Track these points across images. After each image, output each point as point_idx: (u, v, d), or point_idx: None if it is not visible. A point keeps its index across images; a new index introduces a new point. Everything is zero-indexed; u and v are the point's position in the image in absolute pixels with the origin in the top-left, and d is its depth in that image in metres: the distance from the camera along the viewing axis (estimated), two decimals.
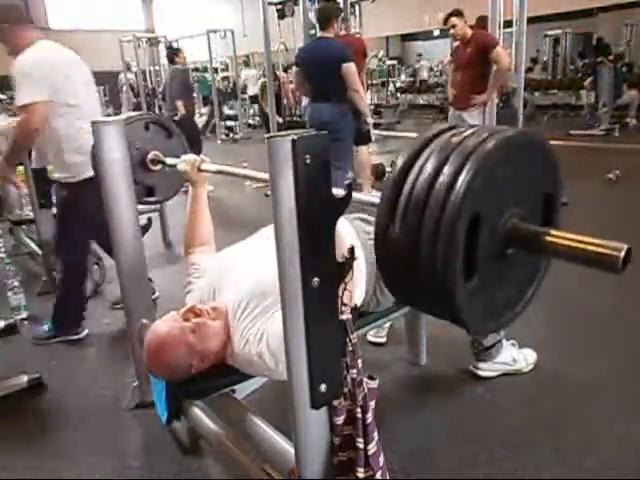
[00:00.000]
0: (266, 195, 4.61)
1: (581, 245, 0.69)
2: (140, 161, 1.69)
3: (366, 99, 3.91)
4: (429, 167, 0.71)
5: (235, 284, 1.36)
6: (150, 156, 1.70)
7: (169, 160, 1.66)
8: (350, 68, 3.44)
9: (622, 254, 0.64)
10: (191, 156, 1.58)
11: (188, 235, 1.62)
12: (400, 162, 0.75)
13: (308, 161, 0.79)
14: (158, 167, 1.71)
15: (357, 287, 1.32)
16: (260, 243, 1.48)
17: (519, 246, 0.76)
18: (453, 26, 4.11)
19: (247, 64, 12.15)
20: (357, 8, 6.98)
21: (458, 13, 4.14)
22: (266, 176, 1.18)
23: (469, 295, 0.73)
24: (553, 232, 0.72)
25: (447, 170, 0.69)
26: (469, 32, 4.06)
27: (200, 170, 1.53)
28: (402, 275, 0.77)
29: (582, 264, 0.69)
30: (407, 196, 0.72)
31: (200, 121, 8.32)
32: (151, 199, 1.83)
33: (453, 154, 0.71)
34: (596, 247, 0.67)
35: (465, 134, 0.74)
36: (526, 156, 0.76)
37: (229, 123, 10.13)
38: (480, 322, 0.79)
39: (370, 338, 2.10)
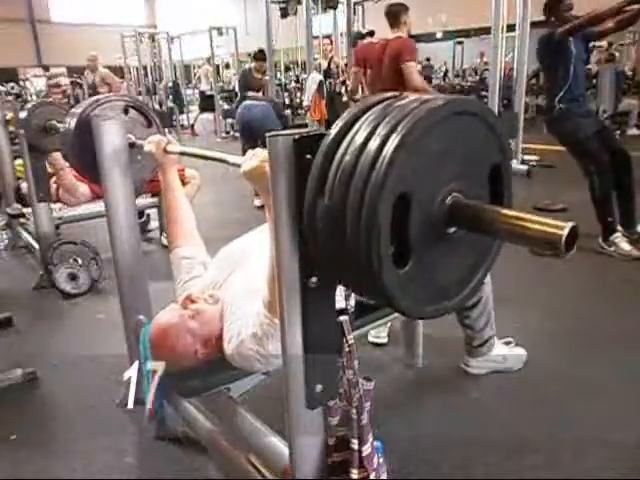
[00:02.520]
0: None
1: (523, 223, 0.63)
2: None
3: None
4: (358, 138, 0.65)
5: (234, 282, 1.37)
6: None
7: (138, 142, 1.62)
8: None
9: (565, 232, 0.58)
10: (157, 136, 1.58)
11: (169, 226, 1.62)
12: (334, 131, 0.69)
13: (308, 161, 0.79)
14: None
15: None
16: (258, 238, 1.49)
17: (461, 224, 0.69)
18: None
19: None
20: (360, 9, 6.99)
21: None
22: (234, 159, 1.17)
23: (404, 281, 0.67)
24: (495, 209, 0.67)
25: (373, 142, 0.63)
26: None
27: (166, 151, 1.53)
28: (331, 254, 0.71)
29: (525, 244, 0.64)
30: (335, 170, 0.66)
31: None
32: None
33: (382, 123, 0.64)
34: (540, 225, 0.61)
35: (401, 103, 0.68)
36: (465, 125, 0.69)
37: (230, 120, 10.11)
38: (419, 308, 0.72)
39: (370, 339, 2.10)
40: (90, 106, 1.67)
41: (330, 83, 5.56)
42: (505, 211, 0.67)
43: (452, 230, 0.71)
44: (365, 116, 0.69)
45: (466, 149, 0.71)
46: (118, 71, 10.88)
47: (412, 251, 0.67)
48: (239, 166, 1.06)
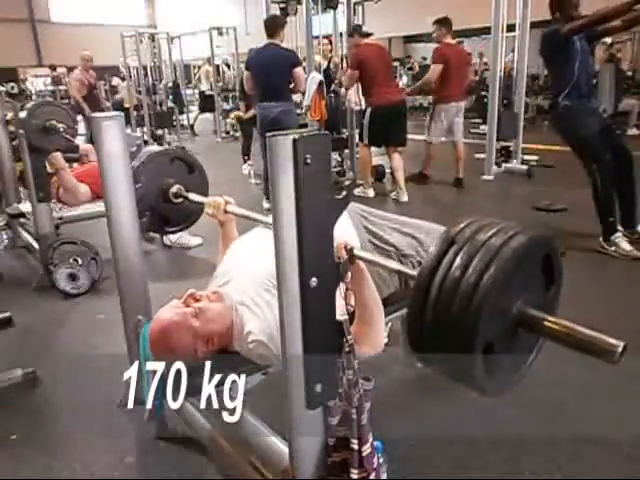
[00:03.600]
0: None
1: (574, 334, 0.87)
2: (163, 193, 1.80)
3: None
4: (457, 263, 0.83)
5: (244, 272, 1.41)
6: (173, 189, 1.79)
7: (191, 196, 1.76)
8: (301, 73, 4.09)
9: (619, 350, 0.81)
10: (216, 198, 1.65)
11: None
12: (432, 255, 0.86)
13: (309, 161, 0.79)
14: (179, 200, 1.80)
15: None
16: (263, 235, 1.51)
17: (524, 327, 0.89)
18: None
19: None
20: (360, 9, 6.98)
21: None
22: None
23: (494, 385, 0.93)
24: (550, 318, 0.87)
25: (472, 270, 0.81)
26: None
27: (226, 212, 1.61)
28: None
29: (580, 352, 0.86)
30: (439, 286, 0.83)
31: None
32: (167, 229, 1.98)
33: (477, 256, 0.82)
34: (588, 338, 0.87)
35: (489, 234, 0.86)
36: (536, 257, 0.90)
37: (230, 120, 10.10)
38: (496, 388, 0.98)
39: None
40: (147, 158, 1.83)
41: (330, 83, 5.55)
42: (560, 321, 0.87)
43: (520, 330, 0.90)
44: (457, 244, 0.85)
45: (529, 271, 0.90)
46: (118, 71, 10.92)
47: (499, 365, 0.90)
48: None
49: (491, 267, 0.80)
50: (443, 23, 4.76)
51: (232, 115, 6.92)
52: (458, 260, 0.83)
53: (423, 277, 0.85)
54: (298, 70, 4.03)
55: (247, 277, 1.39)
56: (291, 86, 4.18)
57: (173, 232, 2.15)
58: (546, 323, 0.86)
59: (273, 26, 4.09)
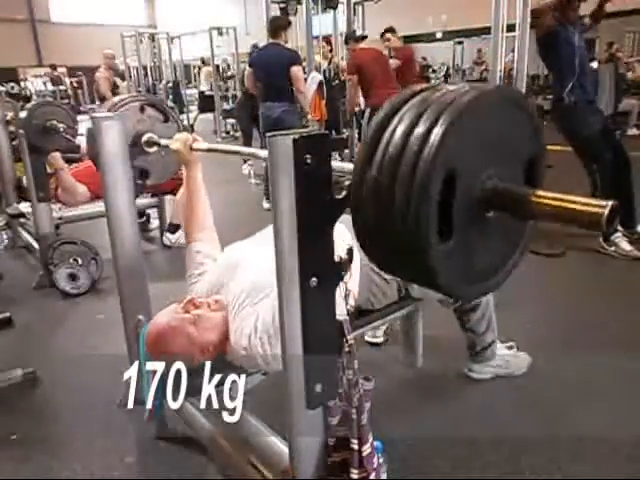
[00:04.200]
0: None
1: (564, 204, 0.67)
2: (134, 143, 1.66)
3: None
4: (406, 119, 0.69)
5: (238, 281, 1.37)
6: (144, 138, 1.68)
7: (163, 141, 1.64)
8: (299, 72, 4.06)
9: (606, 211, 0.62)
10: (184, 134, 1.58)
11: (187, 220, 1.62)
12: (381, 113, 0.73)
13: (309, 161, 0.79)
14: (153, 149, 1.70)
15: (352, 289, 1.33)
16: (264, 240, 1.49)
17: (500, 208, 0.73)
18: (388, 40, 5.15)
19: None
20: (360, 9, 6.98)
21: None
22: (260, 152, 1.19)
23: (445, 256, 0.70)
24: (537, 192, 0.70)
25: (423, 122, 0.67)
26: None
27: (192, 149, 1.53)
28: (375, 232, 0.73)
29: (567, 223, 0.68)
30: (384, 147, 0.69)
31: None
32: (149, 182, 1.82)
33: (430, 107, 0.69)
34: (580, 205, 0.65)
35: (445, 90, 0.72)
36: (506, 114, 0.73)
37: (230, 120, 10.09)
38: (458, 286, 0.75)
39: (367, 338, 2.11)
40: (113, 107, 1.70)
41: (330, 83, 5.56)
42: (543, 192, 0.69)
43: (491, 214, 0.73)
44: (416, 98, 0.72)
45: (506, 138, 0.74)
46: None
47: (454, 229, 0.70)
48: (264, 159, 1.07)
49: (442, 118, 0.65)
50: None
51: None
52: (407, 116, 0.69)
53: (368, 137, 0.72)
54: (295, 69, 4.01)
55: (238, 289, 1.34)
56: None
57: (154, 185, 1.97)
58: (534, 198, 0.69)
59: (275, 26, 4.14)
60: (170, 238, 3.47)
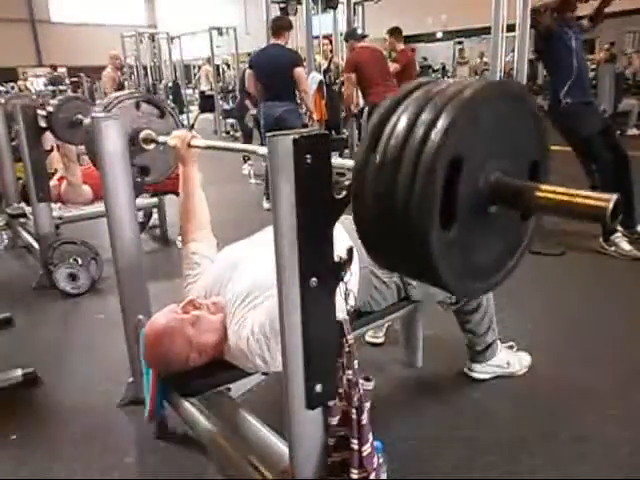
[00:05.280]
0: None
1: (569, 198, 0.66)
2: (132, 140, 1.66)
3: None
4: (412, 107, 0.69)
5: (237, 281, 1.37)
6: (142, 135, 1.67)
7: (161, 138, 1.63)
8: (302, 73, 4.09)
9: (611, 204, 0.61)
10: (182, 131, 1.57)
11: (183, 219, 1.61)
12: (386, 102, 0.73)
13: (309, 161, 0.79)
14: (151, 146, 1.69)
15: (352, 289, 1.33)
16: (263, 240, 1.49)
17: (504, 201, 0.71)
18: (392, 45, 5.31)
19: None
20: (360, 9, 6.98)
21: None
22: (257, 149, 1.19)
23: (446, 246, 0.68)
24: (541, 186, 0.69)
25: (429, 110, 0.67)
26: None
27: (190, 146, 1.52)
28: (376, 219, 0.72)
29: (571, 218, 0.69)
30: (389, 133, 0.69)
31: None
32: (146, 179, 1.82)
33: (435, 97, 0.69)
34: (584, 199, 0.64)
35: (448, 83, 0.73)
36: (510, 108, 0.73)
37: (230, 120, 10.09)
38: (457, 280, 0.73)
39: (368, 338, 2.11)
40: (110, 104, 1.70)
41: (330, 83, 5.56)
42: (547, 187, 0.68)
43: (493, 209, 0.72)
44: (420, 89, 0.72)
45: (509, 134, 0.74)
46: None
47: (456, 219, 0.69)
48: (264, 156, 1.06)
49: (448, 107, 0.65)
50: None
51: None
52: (412, 106, 0.69)
53: (371, 125, 0.72)
54: (299, 70, 4.06)
55: (233, 291, 1.34)
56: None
57: (154, 183, 1.96)
58: (538, 193, 0.68)
59: (277, 27, 4.15)
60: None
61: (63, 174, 3.26)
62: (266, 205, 4.37)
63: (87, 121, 1.76)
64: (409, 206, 0.66)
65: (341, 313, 0.91)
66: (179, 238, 3.44)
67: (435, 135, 0.64)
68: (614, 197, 0.61)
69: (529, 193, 0.68)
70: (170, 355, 1.26)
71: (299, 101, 4.32)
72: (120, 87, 7.32)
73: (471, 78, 0.75)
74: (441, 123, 0.65)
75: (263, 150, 1.16)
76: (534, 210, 0.76)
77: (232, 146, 1.41)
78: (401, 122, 0.69)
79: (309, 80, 4.90)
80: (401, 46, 5.36)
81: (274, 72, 4.02)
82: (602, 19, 3.10)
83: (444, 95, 0.68)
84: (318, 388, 0.90)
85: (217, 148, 1.46)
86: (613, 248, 2.99)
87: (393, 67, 5.01)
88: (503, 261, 0.80)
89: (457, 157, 0.66)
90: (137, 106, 1.74)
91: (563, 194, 0.66)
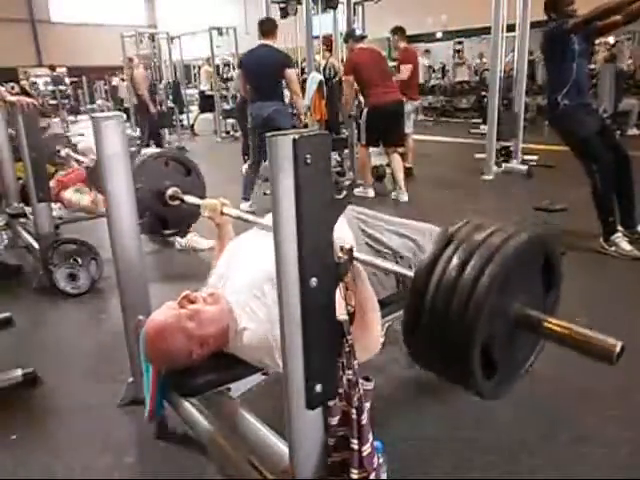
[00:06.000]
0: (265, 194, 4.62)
1: (573, 335, 0.85)
2: (159, 195, 1.82)
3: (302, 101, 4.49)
4: (455, 262, 0.81)
5: (240, 271, 1.41)
6: (169, 192, 1.81)
7: (187, 198, 1.77)
8: (292, 75, 4.12)
9: (617, 349, 0.78)
10: (212, 201, 1.66)
11: (216, 258, 1.66)
12: (429, 253, 0.84)
13: (309, 161, 0.79)
14: (175, 203, 1.83)
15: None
16: (259, 235, 1.51)
17: (525, 328, 0.88)
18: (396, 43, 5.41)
19: None
20: (360, 9, 6.98)
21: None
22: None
23: (493, 388, 0.90)
24: (549, 319, 0.85)
25: (470, 268, 0.79)
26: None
27: (222, 214, 1.63)
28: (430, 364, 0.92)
29: (578, 352, 0.84)
30: (436, 286, 0.81)
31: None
32: (165, 232, 2.01)
33: (477, 253, 0.80)
34: (587, 339, 0.85)
35: (487, 232, 0.84)
36: (536, 256, 0.88)
37: (230, 120, 10.10)
38: (494, 390, 0.94)
39: None
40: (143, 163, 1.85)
41: (328, 83, 5.56)
42: (559, 322, 0.85)
43: (518, 330, 0.88)
44: (454, 242, 0.84)
45: (529, 271, 0.89)
46: (119, 71, 10.92)
47: (499, 367, 0.88)
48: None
49: (491, 264, 0.77)
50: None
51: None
52: (455, 258, 0.80)
53: (420, 276, 0.83)
54: (290, 71, 4.10)
55: (243, 279, 1.38)
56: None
57: (170, 235, 2.17)
58: (546, 324, 0.84)
59: (267, 28, 4.17)
60: (181, 242, 3.47)
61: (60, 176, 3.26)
62: (243, 206, 4.34)
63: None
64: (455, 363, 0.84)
65: (341, 313, 0.92)
66: (178, 239, 3.48)
67: (478, 295, 0.77)
68: (620, 344, 0.78)
69: (539, 324, 0.85)
70: (172, 350, 1.27)
71: (287, 101, 4.34)
72: (151, 86, 7.56)
73: (504, 227, 0.86)
74: (482, 283, 0.77)
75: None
76: (544, 338, 0.93)
77: (259, 221, 1.48)
78: (445, 278, 0.81)
79: (309, 80, 4.90)
80: (403, 44, 5.37)
81: (263, 73, 4.03)
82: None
83: (484, 252, 0.80)
84: (318, 388, 0.90)
85: (246, 221, 1.55)
86: (613, 248, 2.99)
87: (402, 75, 5.13)
88: (527, 358, 1.01)
89: (494, 311, 0.81)
90: (166, 164, 1.88)
91: (566, 329, 0.85)
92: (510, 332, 0.87)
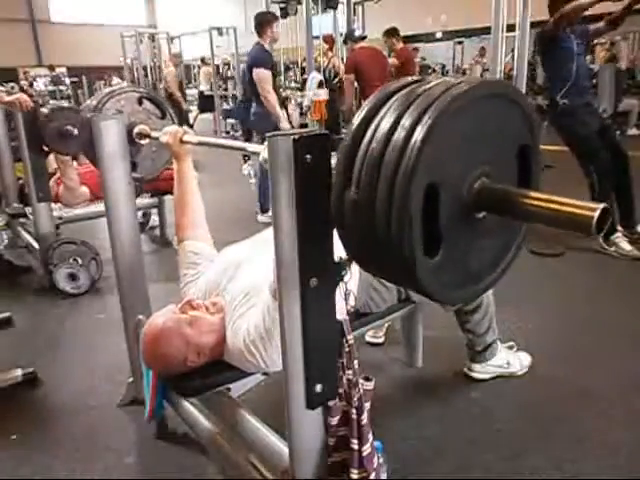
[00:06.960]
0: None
1: (554, 206, 0.63)
2: (127, 134, 1.62)
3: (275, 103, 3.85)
4: (384, 127, 0.64)
5: (237, 281, 1.37)
6: (137, 129, 1.67)
7: (154, 133, 1.63)
8: (259, 74, 3.69)
9: (596, 214, 0.58)
10: (173, 127, 1.56)
11: (178, 214, 1.60)
12: (358, 117, 0.68)
13: (309, 161, 0.79)
14: (145, 141, 1.69)
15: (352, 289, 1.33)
16: (264, 237, 1.49)
17: (489, 209, 0.69)
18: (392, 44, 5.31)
19: None
20: (360, 9, 6.99)
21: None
22: (249, 147, 1.19)
23: (436, 270, 0.67)
24: (525, 192, 0.67)
25: (399, 132, 0.62)
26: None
27: (182, 142, 1.52)
28: (361, 244, 0.70)
29: (556, 226, 0.65)
30: (362, 156, 0.65)
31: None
32: (135, 174, 1.76)
33: (408, 111, 0.63)
34: (570, 207, 0.62)
35: (426, 87, 0.67)
36: (495, 108, 0.68)
37: (230, 120, 10.09)
38: (449, 293, 0.73)
39: (368, 338, 2.11)
40: (106, 96, 1.69)
41: (329, 83, 5.56)
42: (533, 194, 0.66)
43: (481, 215, 0.70)
44: (390, 102, 0.67)
45: (494, 132, 0.70)
46: (119, 71, 10.92)
47: (443, 240, 0.67)
48: (257, 154, 1.05)
49: (423, 121, 0.60)
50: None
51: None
52: (387, 119, 0.64)
53: (344, 144, 0.68)
54: (257, 71, 3.75)
55: (237, 287, 1.34)
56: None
57: (141, 180, 1.94)
58: (518, 199, 0.66)
59: (254, 25, 4.00)
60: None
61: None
62: (261, 219, 4.00)
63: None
64: (390, 243, 0.64)
65: (341, 313, 0.91)
66: (175, 237, 3.47)
67: (405, 166, 0.61)
68: (601, 207, 0.59)
69: (513, 201, 0.66)
70: (167, 356, 1.26)
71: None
72: (181, 85, 7.71)
73: (448, 78, 0.69)
74: (410, 152, 0.60)
75: (252, 147, 1.16)
76: (519, 218, 0.73)
77: (223, 142, 1.40)
78: (373, 144, 0.64)
79: (309, 80, 4.90)
80: (400, 45, 5.39)
81: (245, 73, 4.01)
82: (621, 23, 3.09)
83: (415, 110, 0.63)
84: (318, 388, 0.90)
85: (209, 144, 1.44)
86: (613, 248, 2.99)
87: (392, 61, 5.05)
88: (497, 260, 0.79)
89: (433, 184, 0.63)
90: (139, 102, 1.74)
91: (549, 201, 0.64)
92: (468, 216, 0.69)
